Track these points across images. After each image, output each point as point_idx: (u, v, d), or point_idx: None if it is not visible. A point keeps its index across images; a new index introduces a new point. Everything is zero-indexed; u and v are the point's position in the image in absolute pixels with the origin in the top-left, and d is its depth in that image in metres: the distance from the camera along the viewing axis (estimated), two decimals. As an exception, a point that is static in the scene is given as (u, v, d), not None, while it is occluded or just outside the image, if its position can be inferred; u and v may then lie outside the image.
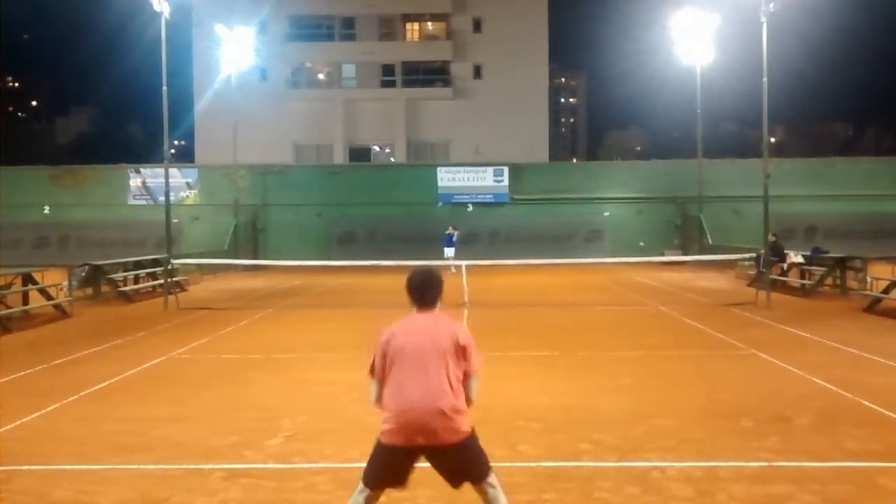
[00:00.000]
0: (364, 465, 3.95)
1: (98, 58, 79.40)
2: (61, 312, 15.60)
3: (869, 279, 15.98)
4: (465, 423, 3.81)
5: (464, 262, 18.66)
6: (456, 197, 34.18)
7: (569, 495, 5.06)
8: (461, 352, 3.85)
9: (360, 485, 3.92)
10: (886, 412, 7.06)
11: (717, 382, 8.52)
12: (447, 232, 27.92)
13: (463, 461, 3.86)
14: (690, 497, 5.00)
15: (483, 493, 3.92)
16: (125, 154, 51.34)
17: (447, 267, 22.40)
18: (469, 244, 29.25)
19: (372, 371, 3.94)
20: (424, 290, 3.99)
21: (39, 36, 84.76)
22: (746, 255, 20.86)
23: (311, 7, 44.24)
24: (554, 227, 33.25)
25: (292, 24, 44.40)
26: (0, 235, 32.14)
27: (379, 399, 3.91)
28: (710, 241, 30.46)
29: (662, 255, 29.63)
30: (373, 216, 33.78)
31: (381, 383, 3.89)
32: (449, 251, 26.63)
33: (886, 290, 14.65)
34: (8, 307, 14.14)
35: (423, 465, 5.59)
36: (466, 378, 3.88)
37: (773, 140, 52.66)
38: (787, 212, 29.84)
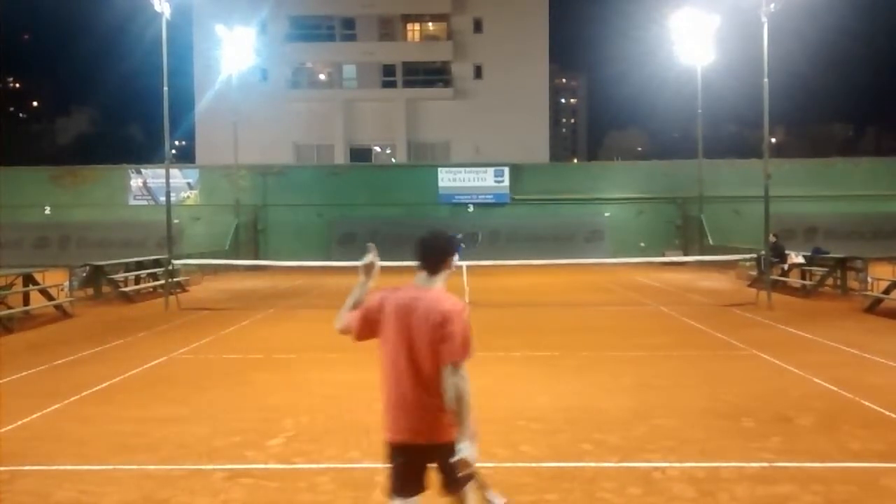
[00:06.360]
0: (364, 465, 3.93)
1: (98, 58, 79.63)
2: (62, 313, 15.60)
3: (870, 280, 15.99)
4: None
5: (464, 263, 18.64)
6: (456, 197, 34.20)
7: (571, 495, 5.06)
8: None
9: None
10: (888, 413, 7.07)
11: (718, 383, 8.51)
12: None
13: None
14: (693, 497, 5.00)
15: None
16: (125, 154, 51.41)
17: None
18: (469, 244, 29.26)
19: None
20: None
21: (39, 36, 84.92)
22: (747, 256, 20.86)
23: (311, 7, 44.21)
24: (554, 228, 33.27)
25: (292, 24, 44.35)
26: (1, 236, 32.18)
27: None
28: (711, 242, 30.46)
29: (663, 255, 29.64)
30: (373, 217, 33.75)
31: None
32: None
33: (887, 291, 14.64)
34: (9, 307, 14.16)
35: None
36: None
37: (773, 140, 52.63)
38: (788, 212, 29.83)
